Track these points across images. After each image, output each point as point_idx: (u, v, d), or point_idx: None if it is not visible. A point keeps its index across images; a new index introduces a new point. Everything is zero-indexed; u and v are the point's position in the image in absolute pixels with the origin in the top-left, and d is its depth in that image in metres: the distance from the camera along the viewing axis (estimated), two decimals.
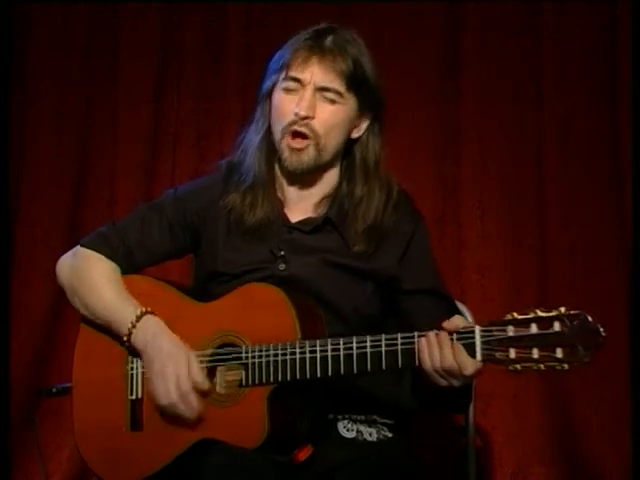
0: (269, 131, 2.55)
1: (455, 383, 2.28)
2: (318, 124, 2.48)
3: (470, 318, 2.98)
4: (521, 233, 3.63)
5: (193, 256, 2.65)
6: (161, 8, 3.81)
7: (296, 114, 2.46)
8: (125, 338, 2.46)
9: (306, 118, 2.47)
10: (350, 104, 2.51)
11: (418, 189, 3.60)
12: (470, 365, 2.24)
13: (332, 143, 2.51)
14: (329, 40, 2.51)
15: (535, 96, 3.63)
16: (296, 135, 2.48)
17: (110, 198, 3.78)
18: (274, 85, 2.53)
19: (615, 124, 3.56)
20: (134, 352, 2.47)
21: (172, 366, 2.39)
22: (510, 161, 3.65)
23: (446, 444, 3.38)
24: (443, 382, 2.28)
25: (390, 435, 2.51)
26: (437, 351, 2.26)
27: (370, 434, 2.49)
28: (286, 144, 2.49)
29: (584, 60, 3.59)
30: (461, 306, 3.02)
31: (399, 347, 2.28)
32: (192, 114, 3.80)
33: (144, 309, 2.46)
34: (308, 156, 2.49)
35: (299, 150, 2.48)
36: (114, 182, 3.79)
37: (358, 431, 2.48)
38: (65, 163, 3.82)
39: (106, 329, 2.51)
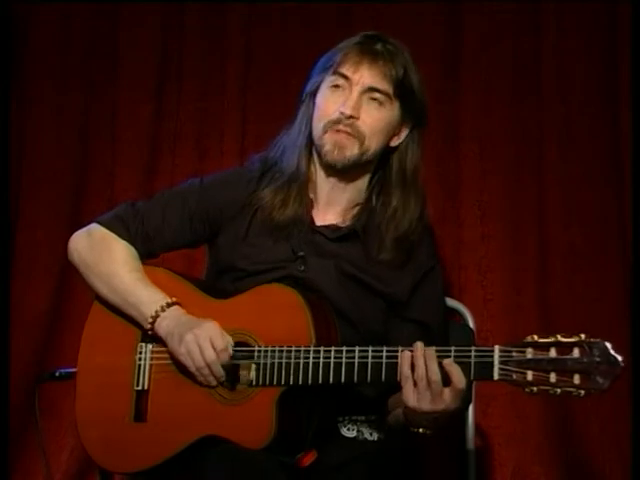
0: (310, 131, 2.54)
1: (424, 405, 2.25)
2: (363, 126, 2.48)
3: (470, 318, 2.99)
4: (521, 233, 3.62)
5: (207, 247, 2.64)
6: (161, 8, 3.81)
7: (342, 113, 2.46)
8: (150, 320, 2.44)
9: (351, 117, 2.46)
10: (395, 110, 2.52)
11: None
12: (461, 378, 2.22)
13: (375, 146, 2.51)
14: (380, 45, 2.52)
15: (535, 96, 3.63)
16: (341, 133, 2.48)
17: (110, 198, 3.77)
18: (319, 85, 2.53)
19: (615, 124, 3.56)
20: (151, 336, 2.45)
21: (203, 330, 2.37)
22: (510, 161, 3.64)
23: (446, 444, 3.38)
24: (413, 399, 2.25)
25: (390, 435, 2.51)
26: (422, 362, 2.24)
27: (371, 434, 2.49)
28: (329, 138, 2.48)
29: (584, 60, 3.59)
30: (461, 306, 3.02)
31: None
32: (192, 114, 3.79)
33: (174, 299, 2.46)
34: (352, 152, 2.48)
35: (343, 146, 2.47)
36: (114, 182, 3.79)
37: (359, 431, 2.48)
38: (65, 163, 3.82)
39: (122, 310, 2.49)
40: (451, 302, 3.02)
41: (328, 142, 2.48)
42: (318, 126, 2.51)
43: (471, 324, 2.96)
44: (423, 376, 2.23)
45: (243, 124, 3.73)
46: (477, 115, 3.64)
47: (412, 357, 2.25)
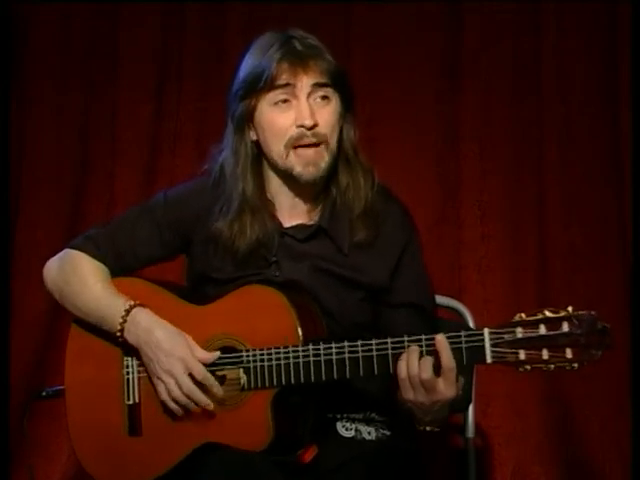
0: (255, 156, 2.49)
1: (420, 398, 2.25)
2: (324, 128, 2.43)
3: (470, 318, 2.99)
4: (521, 233, 3.63)
5: (185, 256, 2.64)
6: (161, 8, 3.81)
7: (302, 126, 2.41)
8: (118, 334, 2.43)
9: (314, 126, 2.41)
10: (337, 99, 2.47)
11: (418, 190, 3.63)
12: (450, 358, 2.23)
13: (334, 143, 2.47)
14: (298, 45, 2.44)
15: (535, 96, 3.63)
16: (308, 147, 2.43)
17: (110, 198, 3.78)
18: (254, 107, 2.45)
19: (615, 124, 3.56)
20: (129, 349, 2.45)
21: (176, 359, 2.37)
22: (510, 161, 3.64)
23: (446, 444, 3.38)
24: (410, 394, 2.26)
25: (389, 434, 2.51)
26: (415, 361, 2.24)
27: (369, 433, 2.49)
28: (296, 159, 2.43)
29: (584, 60, 3.59)
30: (461, 306, 3.02)
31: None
32: (192, 114, 3.79)
33: (132, 302, 2.44)
34: (325, 161, 2.43)
35: (315, 160, 2.43)
36: (114, 182, 3.79)
37: (357, 430, 2.48)
38: (65, 163, 3.82)
39: (98, 328, 2.48)
40: (451, 302, 3.02)
41: (297, 163, 2.43)
42: (277, 148, 2.44)
43: (471, 324, 2.95)
44: (415, 374, 2.24)
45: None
46: (477, 115, 3.65)
47: (406, 357, 2.26)
